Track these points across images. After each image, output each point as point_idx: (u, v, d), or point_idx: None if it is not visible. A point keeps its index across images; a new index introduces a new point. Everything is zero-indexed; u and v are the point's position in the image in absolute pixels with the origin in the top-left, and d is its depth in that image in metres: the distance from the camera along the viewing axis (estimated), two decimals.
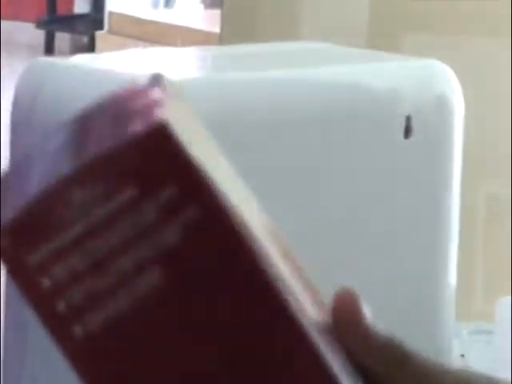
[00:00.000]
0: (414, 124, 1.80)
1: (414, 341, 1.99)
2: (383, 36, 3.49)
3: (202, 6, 12.13)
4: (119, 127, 0.88)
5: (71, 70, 1.96)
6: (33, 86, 1.93)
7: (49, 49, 11.87)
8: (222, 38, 3.81)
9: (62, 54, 11.29)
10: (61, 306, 0.90)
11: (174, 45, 7.54)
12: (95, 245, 0.87)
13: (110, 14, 10.58)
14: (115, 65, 2.08)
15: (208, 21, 9.38)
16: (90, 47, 10.90)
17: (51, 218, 0.88)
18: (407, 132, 1.75)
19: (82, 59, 2.23)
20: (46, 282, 0.89)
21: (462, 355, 2.21)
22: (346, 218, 1.84)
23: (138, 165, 0.85)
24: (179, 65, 2.33)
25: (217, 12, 5.75)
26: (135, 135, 0.85)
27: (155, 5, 11.87)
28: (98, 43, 10.08)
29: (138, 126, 0.86)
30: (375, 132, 1.93)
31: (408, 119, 1.78)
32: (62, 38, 12.09)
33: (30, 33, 11.72)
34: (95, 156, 0.85)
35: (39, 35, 11.83)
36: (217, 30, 4.36)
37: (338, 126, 1.84)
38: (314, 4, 3.75)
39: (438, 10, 3.82)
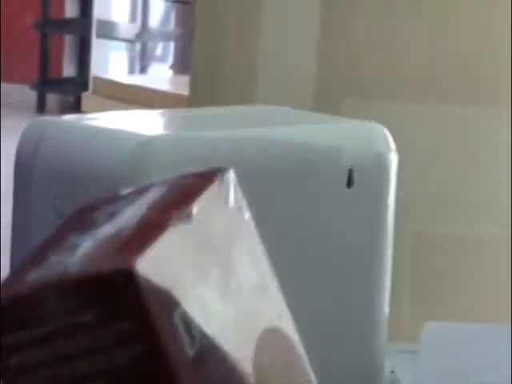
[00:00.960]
0: (356, 176, 1.83)
1: (358, 357, 1.99)
2: (328, 101, 3.51)
3: (171, 72, 12.16)
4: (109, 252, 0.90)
5: (66, 127, 2.03)
6: (33, 140, 1.98)
7: (40, 107, 11.99)
8: (190, 101, 3.84)
9: (52, 112, 11.41)
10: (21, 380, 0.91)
11: (149, 105, 7.55)
12: (59, 345, 0.89)
13: (94, 78, 10.66)
14: (102, 123, 2.15)
15: (177, 85, 9.45)
16: (77, 106, 10.97)
17: (31, 313, 0.89)
18: (349, 183, 1.78)
19: (72, 118, 2.26)
20: (14, 360, 0.91)
21: (392, 371, 2.24)
22: (294, 256, 1.87)
23: (101, 296, 0.87)
24: (148, 124, 2.33)
25: (185, 78, 5.76)
26: (103, 271, 0.87)
27: (132, 71, 11.90)
28: (84, 103, 10.12)
29: (109, 263, 0.88)
30: (323, 183, 1.95)
31: (350, 172, 1.79)
32: (52, 98, 12.24)
33: (23, 93, 11.86)
34: (79, 274, 0.88)
35: (31, 95, 11.97)
36: (185, 93, 4.33)
37: (290, 179, 1.87)
38: (267, 72, 3.72)
39: (377, 78, 3.80)
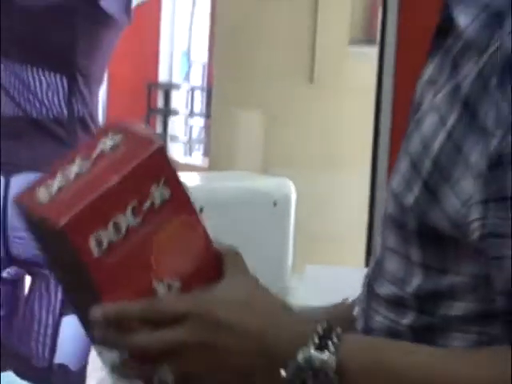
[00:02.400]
0: (278, 204, 3.34)
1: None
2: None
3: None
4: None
5: None
6: None
7: None
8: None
9: None
10: (99, 250, 1.23)
11: None
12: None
13: None
14: None
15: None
16: None
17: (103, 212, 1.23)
18: (274, 205, 3.29)
19: None
20: (93, 242, 1.22)
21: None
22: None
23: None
24: None
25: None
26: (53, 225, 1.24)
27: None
28: None
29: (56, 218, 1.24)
30: (264, 208, 3.38)
31: (275, 203, 3.32)
32: None
33: None
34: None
35: None
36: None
37: (237, 209, 3.38)
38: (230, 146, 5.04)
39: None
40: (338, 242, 4.64)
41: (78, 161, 1.27)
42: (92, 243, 1.21)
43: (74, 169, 1.27)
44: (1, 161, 3.57)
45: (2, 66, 3.60)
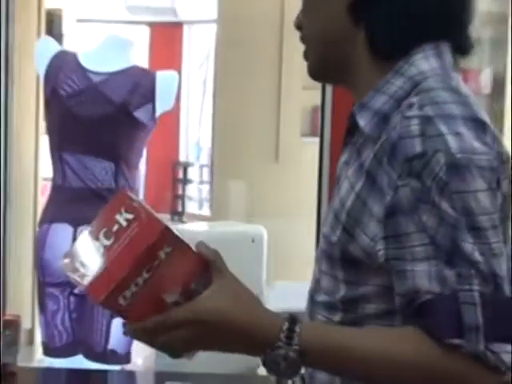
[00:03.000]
0: (255, 241, 3.45)
1: None
2: None
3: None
4: None
5: None
6: None
7: None
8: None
9: None
10: (125, 301, 1.19)
11: None
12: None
13: None
14: None
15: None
16: None
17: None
18: (253, 241, 3.45)
19: None
20: (121, 299, 1.18)
21: None
22: None
23: None
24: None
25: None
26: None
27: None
28: None
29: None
30: (246, 243, 3.58)
31: (252, 240, 3.44)
32: None
33: None
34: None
35: None
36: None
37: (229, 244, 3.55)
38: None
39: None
40: (298, 264, 4.53)
41: (101, 235, 1.20)
42: (120, 301, 1.20)
43: (99, 243, 1.21)
44: (71, 216, 3.56)
45: (70, 156, 3.63)
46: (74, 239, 3.50)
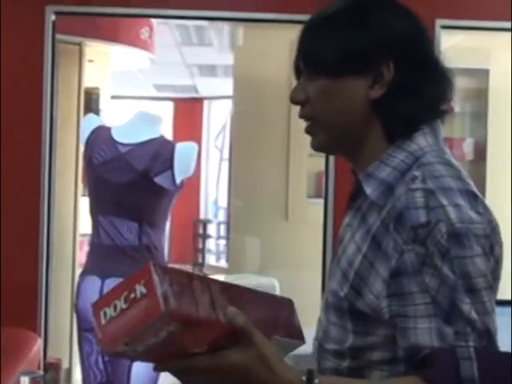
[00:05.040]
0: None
1: None
2: None
3: None
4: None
5: None
6: None
7: None
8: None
9: None
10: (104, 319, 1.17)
11: None
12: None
13: None
14: None
15: None
16: None
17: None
18: None
19: None
20: (102, 314, 1.16)
21: None
22: None
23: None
24: None
25: None
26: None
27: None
28: None
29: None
30: None
31: None
32: None
33: None
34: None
35: None
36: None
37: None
38: None
39: None
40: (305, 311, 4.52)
41: (122, 298, 1.17)
42: (101, 315, 1.17)
43: (119, 304, 1.17)
44: (100, 269, 3.56)
45: (102, 217, 3.63)
46: (102, 290, 3.50)
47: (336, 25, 1.39)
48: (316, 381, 1.21)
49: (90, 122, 3.80)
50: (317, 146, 1.44)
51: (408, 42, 1.37)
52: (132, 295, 1.13)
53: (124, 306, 1.14)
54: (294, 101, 1.43)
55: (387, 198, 1.34)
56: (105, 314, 1.16)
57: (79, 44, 5.52)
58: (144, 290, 1.13)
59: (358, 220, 1.39)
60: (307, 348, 1.44)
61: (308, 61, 1.40)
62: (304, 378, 1.21)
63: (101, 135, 3.68)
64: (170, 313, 1.11)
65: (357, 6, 1.40)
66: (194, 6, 3.94)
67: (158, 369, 1.20)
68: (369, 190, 1.36)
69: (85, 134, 3.76)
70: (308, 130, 1.43)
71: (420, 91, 1.36)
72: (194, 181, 10.32)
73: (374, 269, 1.30)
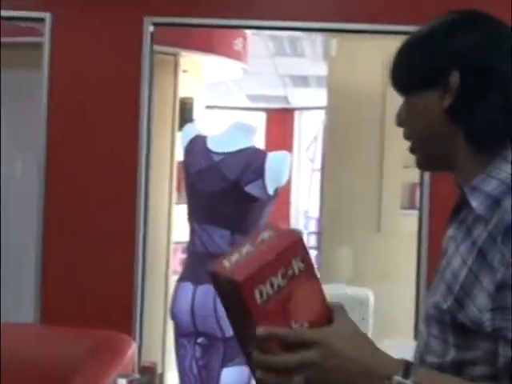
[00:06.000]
0: (363, 303, 3.37)
1: None
2: None
3: None
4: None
5: None
6: None
7: None
8: None
9: None
10: (260, 299, 1.16)
11: None
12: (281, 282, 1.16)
13: None
14: None
15: None
16: None
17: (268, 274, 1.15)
18: (361, 305, 3.40)
19: None
20: (257, 293, 1.15)
21: None
22: None
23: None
24: None
25: None
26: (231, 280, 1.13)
27: None
28: None
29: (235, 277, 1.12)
30: (356, 305, 3.48)
31: (361, 303, 3.38)
32: None
33: None
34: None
35: None
36: None
37: None
38: None
39: None
40: (399, 323, 4.38)
41: (247, 245, 1.22)
42: (256, 294, 1.16)
43: (245, 249, 1.22)
44: (193, 276, 3.60)
45: (197, 225, 3.66)
46: (194, 297, 3.53)
47: (411, 43, 1.47)
48: (413, 367, 1.22)
49: (188, 132, 3.85)
50: (417, 165, 1.49)
51: (474, 51, 1.40)
52: (290, 271, 1.15)
53: (282, 282, 1.15)
54: (396, 123, 1.49)
55: (493, 211, 1.34)
56: (261, 292, 1.15)
57: (174, 55, 5.59)
58: (302, 266, 1.15)
59: (462, 233, 1.39)
60: None
61: (394, 83, 1.48)
62: (403, 363, 1.22)
63: (197, 144, 3.73)
64: (302, 242, 1.17)
65: (437, 25, 1.46)
66: (288, 17, 3.96)
67: (261, 332, 1.19)
68: (475, 203, 1.37)
69: (183, 143, 3.82)
70: (410, 150, 1.47)
71: (492, 98, 1.37)
72: (285, 191, 10.32)
73: (479, 281, 1.30)
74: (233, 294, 1.18)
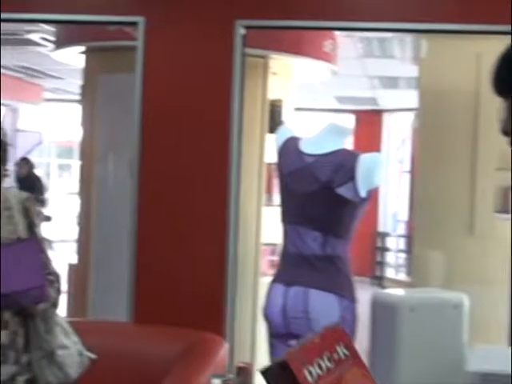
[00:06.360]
0: (457, 307, 3.41)
1: None
2: None
3: None
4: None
5: None
6: None
7: None
8: None
9: None
10: (311, 377, 1.20)
11: None
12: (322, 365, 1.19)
13: None
14: None
15: None
16: None
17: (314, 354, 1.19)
18: (454, 308, 3.39)
19: None
20: (307, 372, 1.18)
21: None
22: None
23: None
24: None
25: None
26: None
27: None
28: None
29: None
30: (447, 310, 3.49)
31: (455, 306, 3.38)
32: None
33: None
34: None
35: None
36: None
37: (429, 310, 3.48)
38: None
39: None
40: (493, 328, 4.31)
41: (325, 358, 1.23)
42: (306, 373, 1.19)
43: (324, 364, 1.23)
44: (285, 277, 3.60)
45: (289, 226, 3.66)
46: (285, 298, 3.54)
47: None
48: None
49: (283, 133, 3.86)
50: None
51: None
52: (335, 356, 1.20)
53: (330, 365, 1.20)
54: (501, 130, 1.45)
55: None
56: (310, 372, 1.19)
57: (263, 57, 5.62)
58: (347, 352, 1.21)
59: None
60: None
61: (497, 86, 1.44)
62: None
63: (291, 146, 3.74)
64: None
65: None
66: (378, 19, 3.93)
67: None
68: None
69: (277, 144, 3.83)
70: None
71: None
72: (374, 193, 10.23)
73: None
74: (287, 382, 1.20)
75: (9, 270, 2.11)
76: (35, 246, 2.24)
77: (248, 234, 5.37)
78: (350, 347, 1.23)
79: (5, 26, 6.95)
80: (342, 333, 1.23)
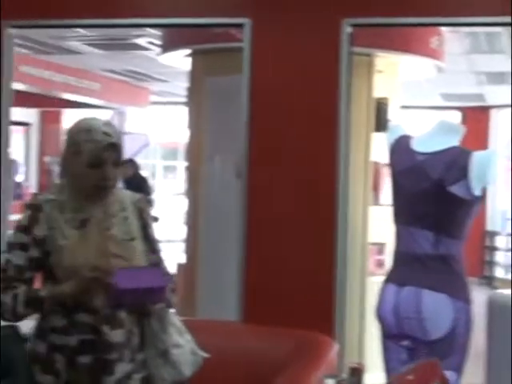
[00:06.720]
0: None
1: None
2: None
3: None
4: None
5: None
6: None
7: None
8: None
9: None
10: None
11: None
12: None
13: None
14: None
15: None
16: None
17: None
18: None
19: None
20: None
21: None
22: None
23: None
24: None
25: None
26: None
27: None
28: None
29: None
30: None
31: None
32: None
33: None
34: None
35: None
36: None
37: None
38: None
39: None
40: None
41: None
42: None
43: None
44: (397, 277, 3.56)
45: (401, 225, 3.62)
46: (397, 299, 3.49)
47: None
48: None
49: (394, 132, 3.83)
50: None
51: None
52: None
53: None
54: None
55: None
56: None
57: (369, 55, 5.59)
58: None
59: None
60: None
61: None
62: None
63: (402, 144, 3.72)
64: None
65: None
66: (486, 13, 3.84)
67: None
68: None
69: (388, 143, 3.82)
70: None
71: None
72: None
73: None
74: None
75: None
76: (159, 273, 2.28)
77: (355, 233, 5.34)
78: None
79: (114, 32, 7.25)
80: (436, 368, 1.22)
